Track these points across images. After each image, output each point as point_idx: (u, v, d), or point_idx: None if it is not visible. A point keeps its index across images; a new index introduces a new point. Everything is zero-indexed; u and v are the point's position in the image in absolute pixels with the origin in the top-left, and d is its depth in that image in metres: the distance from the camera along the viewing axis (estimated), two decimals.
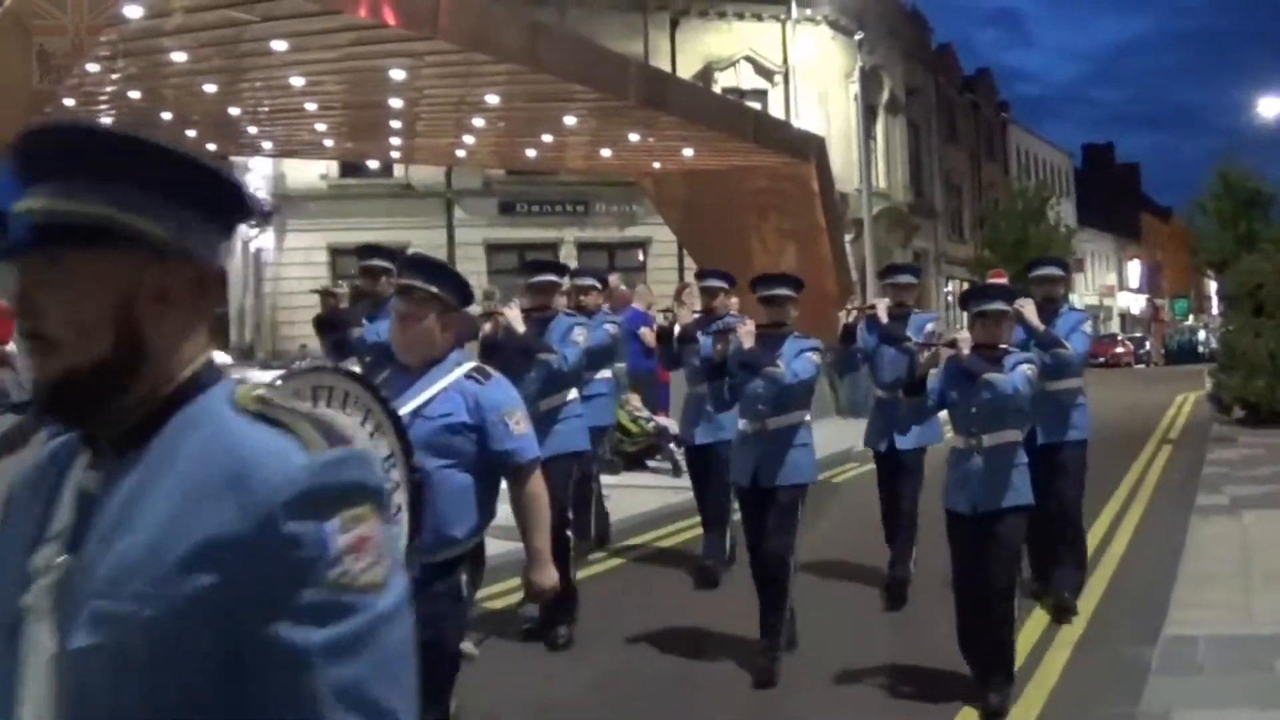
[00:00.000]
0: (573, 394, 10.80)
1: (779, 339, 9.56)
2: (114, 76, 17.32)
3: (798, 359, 9.32)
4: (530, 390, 10.29)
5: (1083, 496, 11.21)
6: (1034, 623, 10.17)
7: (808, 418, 9.63)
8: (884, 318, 12.18)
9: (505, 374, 10.84)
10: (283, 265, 42.30)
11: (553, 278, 11.29)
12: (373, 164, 37.46)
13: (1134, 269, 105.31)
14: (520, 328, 10.29)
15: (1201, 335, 75.18)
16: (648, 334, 20.65)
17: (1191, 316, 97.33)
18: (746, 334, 9.45)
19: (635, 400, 19.72)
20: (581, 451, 10.94)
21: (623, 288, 29.72)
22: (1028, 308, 10.43)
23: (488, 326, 10.50)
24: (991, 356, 8.50)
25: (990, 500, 8.25)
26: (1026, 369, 8.48)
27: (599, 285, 13.26)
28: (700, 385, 12.36)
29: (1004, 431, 8.38)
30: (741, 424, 9.72)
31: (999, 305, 8.79)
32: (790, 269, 27.50)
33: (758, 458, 9.38)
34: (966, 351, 8.48)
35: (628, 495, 16.65)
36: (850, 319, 12.20)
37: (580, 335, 10.82)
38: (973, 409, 8.40)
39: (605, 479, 18.17)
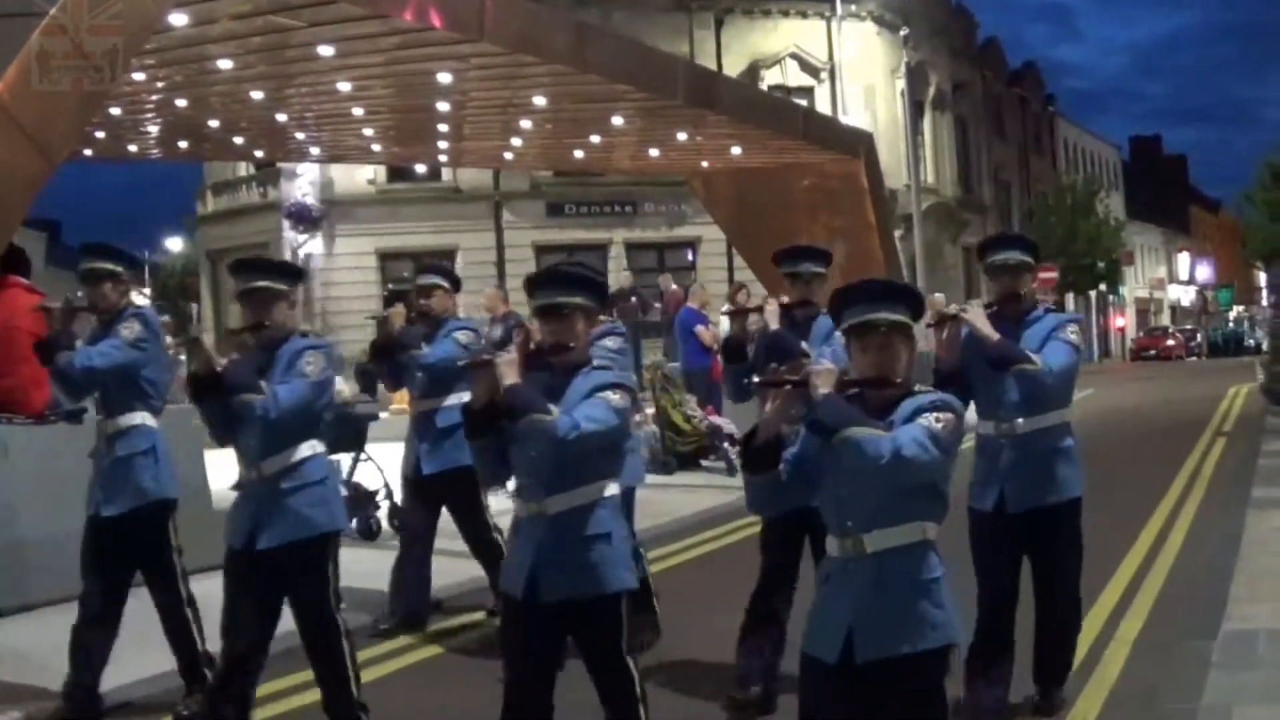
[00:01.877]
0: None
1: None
2: (159, 85, 17.35)
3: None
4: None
5: (1079, 589, 8.28)
6: (1093, 618, 10.09)
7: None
8: (773, 323, 8.45)
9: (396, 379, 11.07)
10: (332, 270, 42.46)
11: (436, 280, 10.97)
12: (420, 168, 37.50)
13: (1183, 261, 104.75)
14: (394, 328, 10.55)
15: (1247, 326, 74.69)
16: (704, 333, 20.64)
17: (1240, 308, 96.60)
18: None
19: (691, 400, 19.70)
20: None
21: (674, 287, 29.81)
22: (973, 313, 7.57)
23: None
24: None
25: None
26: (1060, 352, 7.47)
27: (445, 285, 11.12)
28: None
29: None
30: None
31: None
32: (840, 266, 27.61)
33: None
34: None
35: (680, 495, 16.65)
36: (734, 324, 9.36)
37: (464, 336, 10.59)
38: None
39: (652, 478, 18.20)
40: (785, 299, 8.53)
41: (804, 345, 8.22)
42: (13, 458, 10.98)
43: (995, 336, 7.43)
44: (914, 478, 5.18)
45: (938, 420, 5.27)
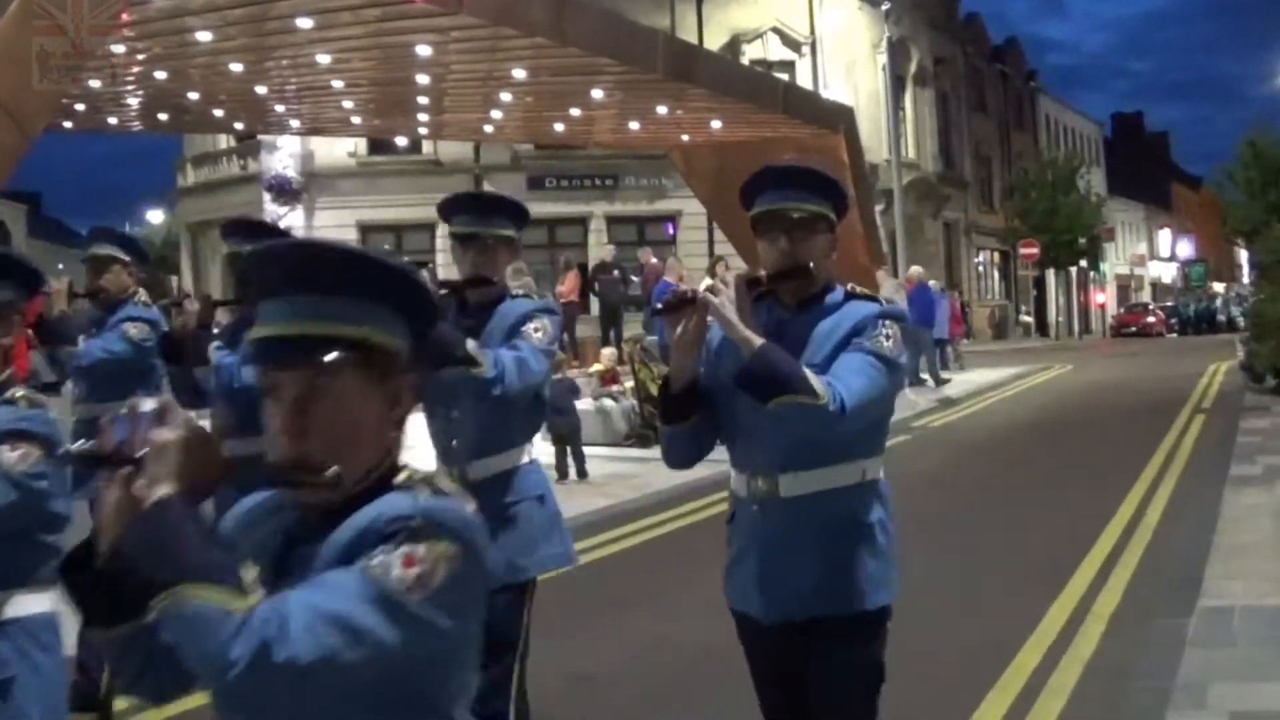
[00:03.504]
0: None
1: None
2: (140, 57, 17.30)
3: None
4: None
5: None
6: (1068, 595, 10.13)
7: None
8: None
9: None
10: None
11: (111, 250, 8.47)
12: (401, 141, 37.46)
13: (1164, 238, 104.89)
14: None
15: (1219, 303, 74.64)
16: None
17: (1220, 285, 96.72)
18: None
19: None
20: None
21: (653, 260, 29.80)
22: (723, 296, 4.41)
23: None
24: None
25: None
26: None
27: (123, 258, 8.49)
28: None
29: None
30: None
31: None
32: None
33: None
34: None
35: (659, 468, 16.62)
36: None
37: (135, 330, 8.31)
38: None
39: (631, 451, 18.19)
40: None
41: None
42: None
43: (756, 341, 4.29)
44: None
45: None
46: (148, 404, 2.54)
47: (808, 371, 4.23)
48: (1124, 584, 10.58)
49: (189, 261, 49.00)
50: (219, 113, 23.03)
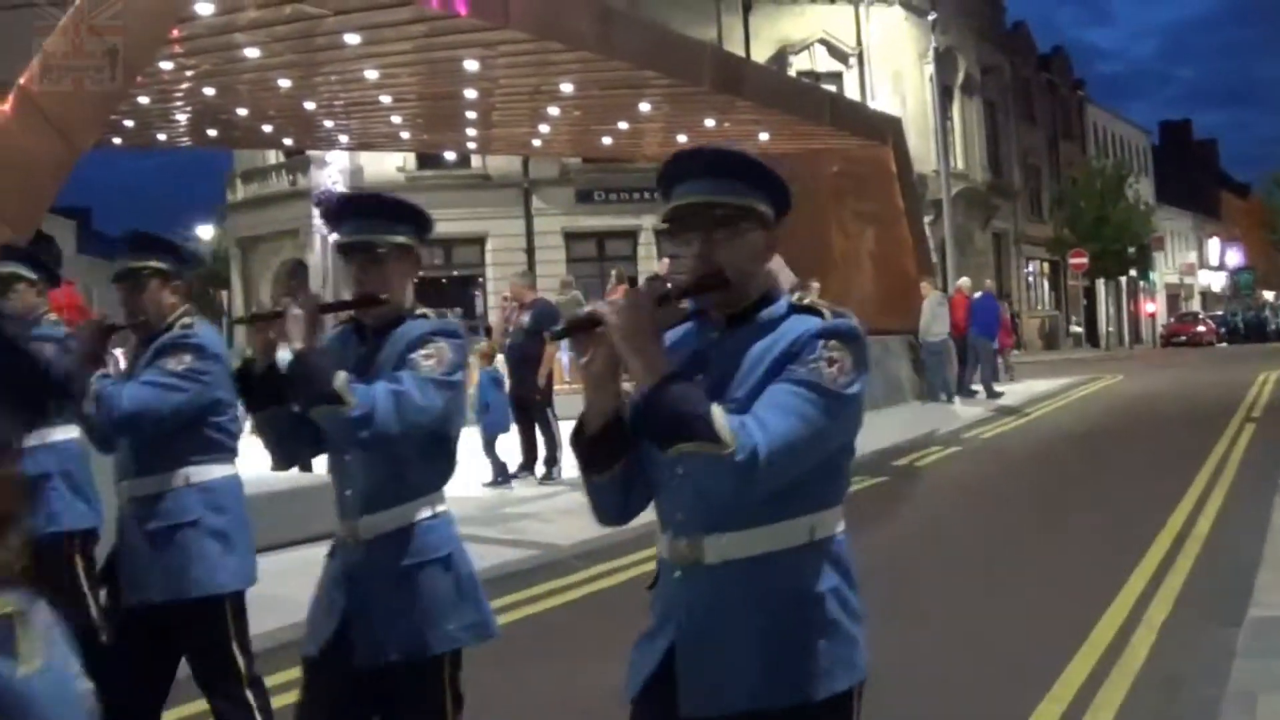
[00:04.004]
0: None
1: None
2: (188, 73, 17.44)
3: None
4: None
5: None
6: (1119, 604, 10.08)
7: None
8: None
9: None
10: None
11: (15, 269, 7.38)
12: (450, 155, 37.59)
13: (1213, 246, 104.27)
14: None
15: (1268, 311, 74.04)
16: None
17: (1271, 294, 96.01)
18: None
19: None
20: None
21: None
22: (626, 311, 3.45)
23: None
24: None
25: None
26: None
27: (29, 275, 7.42)
28: None
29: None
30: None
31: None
32: (871, 253, 27.60)
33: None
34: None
35: None
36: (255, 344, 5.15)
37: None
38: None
39: None
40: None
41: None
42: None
43: (660, 370, 3.37)
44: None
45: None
46: None
47: (715, 410, 3.24)
48: (1175, 594, 10.51)
49: (239, 276, 49.23)
50: (268, 128, 23.17)
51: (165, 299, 6.11)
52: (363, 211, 5.08)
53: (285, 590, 7.81)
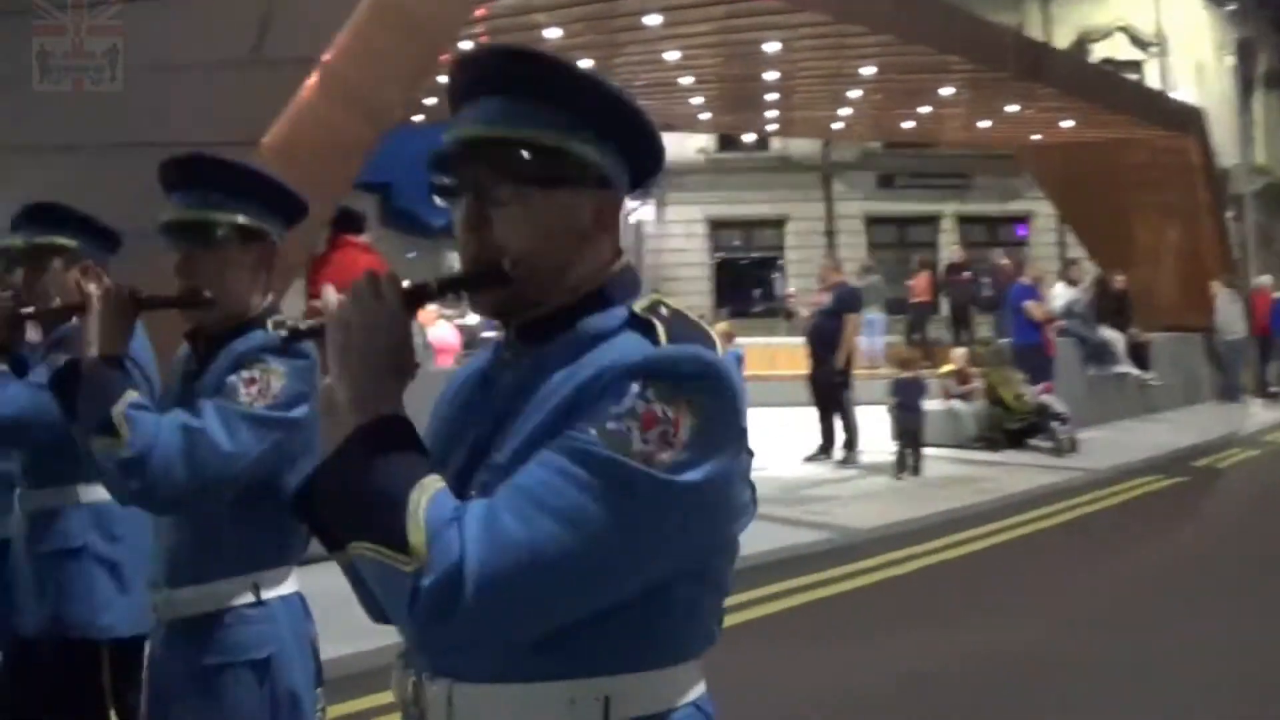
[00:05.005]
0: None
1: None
2: None
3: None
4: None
5: None
6: None
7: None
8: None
9: None
10: (663, 238, 42.90)
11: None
12: (749, 137, 37.68)
13: None
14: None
15: None
16: (1033, 307, 20.21)
17: None
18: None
19: (1020, 377, 19.34)
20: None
21: (1004, 261, 29.30)
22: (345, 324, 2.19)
23: None
24: None
25: None
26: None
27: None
28: None
29: None
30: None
31: None
32: (1172, 246, 26.89)
33: None
34: None
35: (1005, 473, 16.50)
36: None
37: None
38: None
39: (983, 455, 17.99)
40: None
41: None
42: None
43: (371, 408, 2.11)
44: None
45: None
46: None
47: (424, 491, 1.98)
48: None
49: None
50: None
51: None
52: (197, 179, 3.76)
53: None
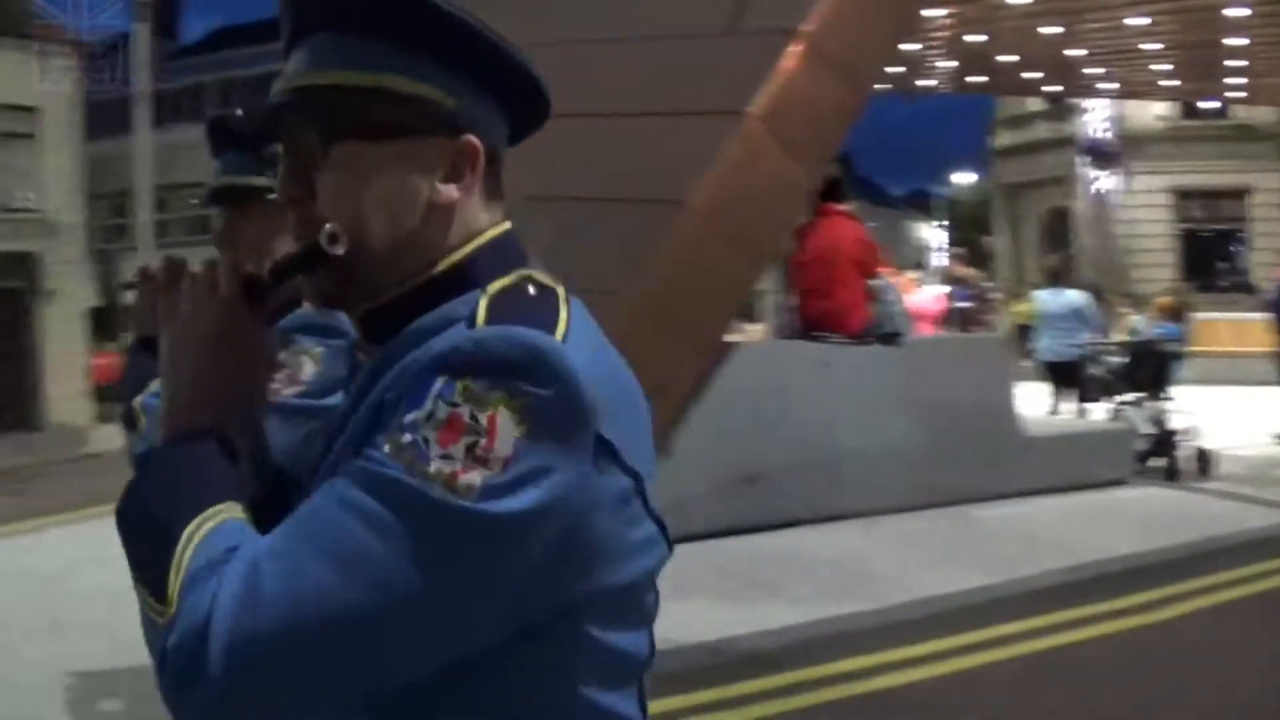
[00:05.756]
0: None
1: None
2: (949, 21, 18.16)
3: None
4: None
5: None
6: None
7: None
8: None
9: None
10: (1130, 208, 42.36)
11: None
12: (1210, 104, 36.90)
13: None
14: None
15: None
16: None
17: None
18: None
19: None
20: None
21: None
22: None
23: None
24: None
25: None
26: None
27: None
28: None
29: None
30: None
31: None
32: None
33: None
34: None
35: None
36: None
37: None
38: None
39: None
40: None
41: None
42: (833, 374, 11.34)
43: (182, 419, 1.70)
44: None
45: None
46: None
47: (199, 527, 1.55)
48: None
49: (1007, 222, 49.61)
50: (1029, 75, 23.69)
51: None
52: (246, 139, 3.12)
53: (1066, 533, 8.63)
